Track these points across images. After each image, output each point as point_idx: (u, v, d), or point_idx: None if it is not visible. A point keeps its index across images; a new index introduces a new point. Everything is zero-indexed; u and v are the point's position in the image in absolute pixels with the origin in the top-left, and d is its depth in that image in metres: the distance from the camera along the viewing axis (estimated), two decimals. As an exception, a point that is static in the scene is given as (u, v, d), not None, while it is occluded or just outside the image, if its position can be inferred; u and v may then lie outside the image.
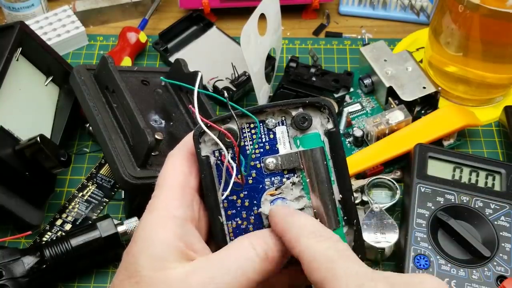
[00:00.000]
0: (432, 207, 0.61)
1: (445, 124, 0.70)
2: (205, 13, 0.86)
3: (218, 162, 0.39)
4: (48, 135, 0.69)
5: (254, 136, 0.40)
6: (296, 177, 0.40)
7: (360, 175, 0.68)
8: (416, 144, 0.66)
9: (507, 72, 0.73)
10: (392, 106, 0.73)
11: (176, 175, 0.38)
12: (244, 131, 0.40)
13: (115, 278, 0.35)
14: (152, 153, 0.61)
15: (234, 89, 0.76)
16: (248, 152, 0.40)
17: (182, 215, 0.36)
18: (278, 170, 0.40)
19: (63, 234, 0.65)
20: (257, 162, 0.40)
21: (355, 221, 0.39)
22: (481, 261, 0.57)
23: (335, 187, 0.39)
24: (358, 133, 0.71)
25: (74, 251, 0.59)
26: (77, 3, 0.87)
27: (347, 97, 0.77)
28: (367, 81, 0.77)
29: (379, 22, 0.89)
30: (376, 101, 0.77)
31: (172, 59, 0.81)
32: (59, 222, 0.67)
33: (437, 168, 0.64)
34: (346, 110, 0.75)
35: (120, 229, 0.61)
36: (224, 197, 0.38)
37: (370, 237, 0.60)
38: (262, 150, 0.40)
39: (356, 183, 0.66)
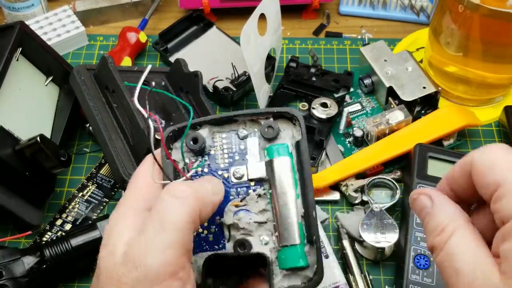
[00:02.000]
0: (432, 207, 0.61)
1: (445, 124, 0.70)
2: (205, 13, 0.86)
3: (184, 167, 0.39)
4: (48, 135, 0.69)
5: (225, 146, 0.39)
6: (263, 189, 0.39)
7: (360, 175, 0.68)
8: (416, 144, 0.66)
9: (507, 72, 0.73)
10: (392, 106, 0.73)
11: (145, 176, 0.38)
12: (215, 141, 0.39)
13: None
14: (152, 153, 0.61)
15: (234, 89, 0.76)
16: (217, 161, 0.39)
17: (143, 207, 0.36)
18: (244, 181, 0.39)
19: (63, 234, 0.65)
20: (225, 171, 0.39)
21: (314, 237, 0.38)
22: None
23: (298, 201, 0.38)
24: (358, 133, 0.71)
25: (74, 251, 0.59)
26: (77, 3, 0.87)
27: (347, 97, 0.77)
28: (367, 81, 0.77)
29: (379, 22, 0.89)
30: (376, 101, 0.77)
31: (172, 59, 0.81)
32: (59, 222, 0.67)
33: (437, 168, 0.64)
34: (346, 110, 0.75)
35: (120, 229, 0.61)
36: (159, 182, 0.38)
37: (370, 237, 0.60)
38: (231, 160, 0.39)
39: (356, 183, 0.67)
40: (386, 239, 0.60)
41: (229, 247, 0.39)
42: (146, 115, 0.37)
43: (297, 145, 0.39)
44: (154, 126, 0.66)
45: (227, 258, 0.38)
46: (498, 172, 0.32)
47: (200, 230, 0.39)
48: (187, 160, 0.39)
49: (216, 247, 0.39)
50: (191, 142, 0.38)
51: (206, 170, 0.39)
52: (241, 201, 0.39)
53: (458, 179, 0.36)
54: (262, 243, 0.38)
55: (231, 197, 0.39)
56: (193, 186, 0.36)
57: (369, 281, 0.60)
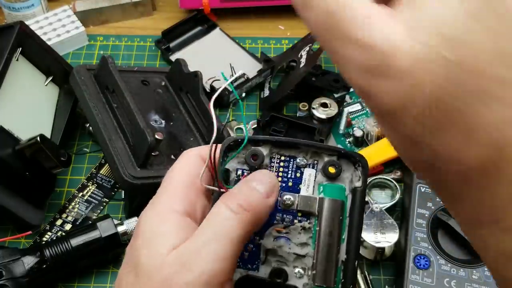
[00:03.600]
0: (432, 207, 0.61)
1: (445, 124, 0.70)
2: (205, 13, 0.86)
3: (236, 179, 0.38)
4: (48, 135, 0.69)
5: (281, 170, 0.39)
6: (308, 223, 0.38)
7: (360, 175, 0.68)
8: (416, 144, 0.66)
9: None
10: (392, 106, 0.73)
11: (183, 174, 0.38)
12: (273, 161, 0.39)
13: (121, 271, 0.35)
14: (152, 153, 0.61)
15: (231, 90, 0.76)
16: None
17: (182, 210, 0.36)
18: (293, 209, 0.38)
19: (63, 234, 0.65)
20: None
21: (351, 287, 0.38)
22: (481, 261, 0.57)
23: (343, 246, 0.38)
24: (358, 133, 0.71)
25: (74, 251, 0.59)
26: (77, 3, 0.87)
27: (347, 97, 0.77)
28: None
29: (379, 22, 0.89)
30: (376, 101, 0.77)
31: (173, 58, 0.81)
32: (59, 222, 0.67)
33: (437, 168, 0.64)
34: (346, 110, 0.75)
35: (120, 229, 0.61)
36: (206, 186, 0.37)
37: (370, 237, 0.60)
38: (284, 185, 0.39)
39: (356, 183, 0.67)
40: (386, 239, 0.60)
41: (262, 270, 0.38)
42: (215, 123, 0.36)
43: (355, 191, 0.38)
44: (156, 126, 0.66)
45: (260, 283, 0.38)
46: None
47: None
48: (239, 172, 0.38)
49: (249, 266, 0.38)
50: (251, 158, 0.38)
51: None
52: (284, 228, 0.39)
53: None
54: (296, 275, 0.38)
55: (275, 222, 0.39)
56: (248, 200, 0.35)
57: (369, 281, 0.60)
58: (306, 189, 0.39)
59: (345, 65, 0.25)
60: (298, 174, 0.39)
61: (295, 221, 0.39)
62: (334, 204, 0.38)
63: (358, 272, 0.60)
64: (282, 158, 0.39)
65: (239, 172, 0.38)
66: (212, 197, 0.38)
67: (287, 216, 0.39)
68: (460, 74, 0.22)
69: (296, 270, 0.38)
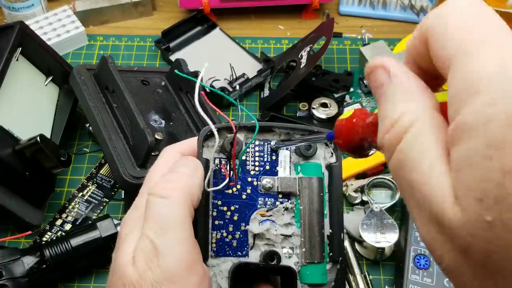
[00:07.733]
0: (432, 207, 0.61)
1: (445, 124, 0.70)
2: (205, 13, 0.86)
3: (216, 168, 0.38)
4: (48, 135, 0.69)
5: (257, 154, 0.39)
6: (290, 203, 0.39)
7: (360, 175, 0.68)
8: (416, 144, 0.66)
9: (507, 72, 0.73)
10: (392, 106, 0.73)
11: (179, 184, 0.36)
12: (248, 146, 0.40)
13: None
14: (152, 153, 0.61)
15: (230, 89, 0.76)
16: (248, 167, 0.39)
17: (193, 234, 0.35)
18: (273, 192, 0.39)
19: (63, 234, 0.65)
20: (254, 179, 0.39)
21: (340, 258, 0.38)
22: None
23: (326, 221, 0.39)
24: (358, 133, 0.71)
25: (74, 251, 0.59)
26: (77, 3, 0.87)
27: (347, 97, 0.77)
28: (367, 81, 0.76)
29: (379, 22, 0.89)
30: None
31: (173, 57, 0.81)
32: (59, 222, 0.67)
33: (437, 168, 0.64)
34: (346, 110, 0.75)
35: (120, 229, 0.61)
36: (210, 189, 0.37)
37: (370, 237, 0.60)
38: (262, 169, 0.40)
39: (356, 183, 0.67)
40: (386, 239, 0.60)
41: (252, 255, 0.39)
42: (210, 124, 0.36)
43: (331, 167, 0.39)
44: (156, 126, 0.66)
45: (256, 268, 0.39)
46: (450, 43, 0.23)
47: (225, 234, 0.39)
48: (217, 161, 0.39)
49: (239, 253, 0.39)
50: (229, 145, 0.38)
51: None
52: (267, 211, 0.39)
53: (419, 47, 0.25)
54: (286, 256, 0.39)
55: (258, 206, 0.39)
56: (173, 181, 0.35)
57: (369, 281, 0.60)
58: (283, 171, 0.40)
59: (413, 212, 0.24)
60: (274, 157, 0.40)
61: (277, 203, 0.39)
62: (313, 182, 0.39)
63: (358, 272, 0.60)
64: (257, 142, 0.40)
65: (217, 161, 0.39)
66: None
67: (269, 199, 0.39)
68: (505, 236, 0.20)
69: (285, 250, 0.39)
